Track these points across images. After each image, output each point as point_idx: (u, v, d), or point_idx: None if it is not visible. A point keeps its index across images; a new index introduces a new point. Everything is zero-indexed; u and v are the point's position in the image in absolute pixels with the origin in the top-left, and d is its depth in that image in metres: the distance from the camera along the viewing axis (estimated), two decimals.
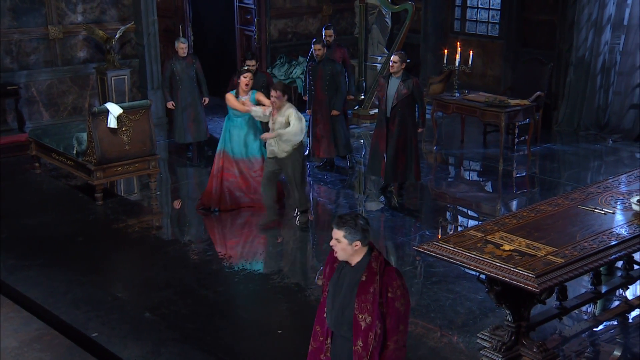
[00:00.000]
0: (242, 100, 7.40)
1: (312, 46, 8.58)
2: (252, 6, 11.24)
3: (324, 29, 9.23)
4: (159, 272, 6.38)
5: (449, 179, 9.05)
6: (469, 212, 7.96)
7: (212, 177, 7.60)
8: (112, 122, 7.73)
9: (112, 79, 9.87)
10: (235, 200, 7.61)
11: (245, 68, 7.85)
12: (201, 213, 7.62)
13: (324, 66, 8.50)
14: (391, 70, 7.68)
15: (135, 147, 7.95)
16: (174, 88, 9.06)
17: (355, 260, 3.52)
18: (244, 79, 7.33)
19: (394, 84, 7.66)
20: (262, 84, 8.17)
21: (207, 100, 9.29)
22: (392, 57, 7.67)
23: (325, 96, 8.56)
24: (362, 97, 11.33)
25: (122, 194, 8.46)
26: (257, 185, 7.49)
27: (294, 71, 11.63)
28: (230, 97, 7.46)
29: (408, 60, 7.85)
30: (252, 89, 7.46)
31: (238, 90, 7.43)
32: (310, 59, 8.82)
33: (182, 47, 8.95)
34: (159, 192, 8.33)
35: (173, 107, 9.10)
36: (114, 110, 7.77)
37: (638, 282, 5.87)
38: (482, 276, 4.83)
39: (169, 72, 9.04)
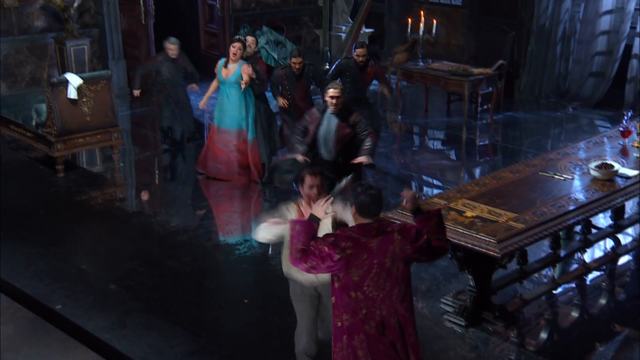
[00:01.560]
0: (229, 67, 7.30)
1: (290, 59, 7.40)
2: None
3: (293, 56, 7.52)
4: (124, 244, 6.31)
5: (414, 148, 9.10)
6: (433, 180, 8.03)
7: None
8: (72, 93, 7.57)
9: (71, 49, 9.63)
10: (212, 170, 7.54)
11: (237, 37, 7.65)
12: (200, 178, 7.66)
13: (305, 76, 7.50)
14: (333, 108, 5.97)
15: (97, 118, 7.80)
16: (162, 86, 8.18)
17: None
18: (232, 48, 7.23)
19: (331, 122, 6.04)
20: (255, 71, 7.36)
21: (195, 87, 8.35)
22: (330, 91, 5.90)
23: (307, 103, 7.57)
24: (327, 67, 11.26)
25: (84, 166, 8.31)
26: (233, 159, 7.40)
27: (259, 41, 11.47)
28: (217, 66, 7.40)
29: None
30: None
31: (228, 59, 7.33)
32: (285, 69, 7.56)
33: (171, 48, 8.03)
34: (122, 164, 8.21)
35: (137, 96, 8.33)
36: (74, 80, 7.60)
37: (596, 245, 6.01)
38: None
39: (154, 68, 8.23)
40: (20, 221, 6.66)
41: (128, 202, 7.40)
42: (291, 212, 4.14)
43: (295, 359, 4.27)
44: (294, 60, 7.35)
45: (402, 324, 3.45)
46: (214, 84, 7.54)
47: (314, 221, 3.56)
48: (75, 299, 5.36)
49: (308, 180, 4.01)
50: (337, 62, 7.44)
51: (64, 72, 8.98)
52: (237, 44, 7.24)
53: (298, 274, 4.05)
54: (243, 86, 7.16)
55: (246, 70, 7.18)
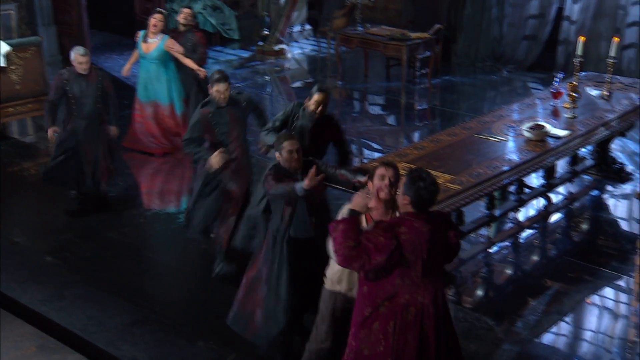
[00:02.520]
0: (150, 42, 6.89)
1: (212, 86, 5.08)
2: None
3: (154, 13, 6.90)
4: (59, 215, 6.14)
5: (353, 114, 9.11)
6: (373, 145, 8.07)
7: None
8: (0, 61, 7.25)
9: None
10: (144, 144, 7.31)
11: (158, 9, 7.13)
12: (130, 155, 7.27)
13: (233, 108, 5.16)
14: (220, 100, 5.00)
15: (27, 86, 7.54)
16: (68, 113, 5.99)
17: None
18: (152, 20, 6.84)
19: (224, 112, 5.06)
20: (189, 44, 6.96)
21: (114, 130, 6.12)
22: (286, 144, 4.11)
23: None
24: (266, 32, 11.12)
25: (16, 136, 8.01)
26: (167, 132, 7.20)
27: (195, 6, 11.21)
28: (137, 37, 7.03)
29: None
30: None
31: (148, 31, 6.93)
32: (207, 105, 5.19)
33: (81, 61, 5.80)
34: (56, 134, 7.92)
35: (52, 137, 6.08)
36: (1, 48, 7.30)
37: (529, 204, 6.19)
38: None
39: (58, 94, 5.94)
40: None
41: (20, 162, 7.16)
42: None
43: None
44: (217, 87, 5.01)
45: (442, 313, 3.40)
46: (135, 54, 7.13)
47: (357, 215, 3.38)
48: (9, 272, 5.20)
49: (380, 171, 3.58)
50: (286, 108, 4.93)
51: None
52: (158, 16, 6.83)
53: (345, 287, 3.81)
54: (188, 63, 6.80)
55: (173, 48, 6.80)
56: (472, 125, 5.90)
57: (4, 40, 7.69)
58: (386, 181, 3.55)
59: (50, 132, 5.99)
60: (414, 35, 9.30)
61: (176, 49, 6.84)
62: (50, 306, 4.81)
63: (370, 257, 3.22)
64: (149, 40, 6.92)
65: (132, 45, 8.02)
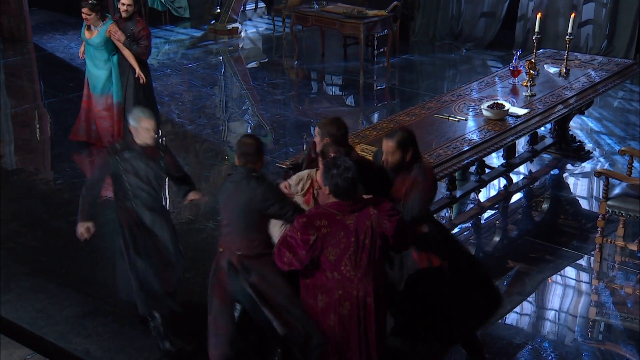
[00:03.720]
0: (93, 29, 6.57)
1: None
2: None
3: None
4: (3, 204, 5.98)
5: (311, 95, 9.08)
6: None
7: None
8: None
9: None
10: (93, 134, 6.99)
11: (83, 3, 6.52)
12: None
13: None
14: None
15: None
16: (122, 209, 4.34)
17: None
18: (82, 14, 6.49)
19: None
20: (129, 33, 6.57)
21: (198, 196, 4.51)
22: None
23: None
24: (218, 10, 10.97)
25: None
26: (103, 127, 6.86)
27: None
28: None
29: None
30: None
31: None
32: None
33: (147, 127, 4.11)
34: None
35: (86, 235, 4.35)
36: None
37: (489, 185, 6.28)
38: None
39: (106, 173, 4.30)
40: None
41: (7, 159, 6.99)
42: (304, 184, 3.95)
43: None
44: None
45: (379, 303, 3.44)
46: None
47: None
48: None
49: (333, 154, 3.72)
50: None
51: None
52: (84, 9, 6.47)
53: None
54: (126, 54, 6.52)
55: (114, 35, 6.50)
56: (432, 105, 5.94)
57: None
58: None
59: (83, 229, 4.26)
60: (371, 12, 9.29)
61: (117, 36, 6.51)
62: None
63: (294, 253, 3.31)
64: (92, 27, 6.63)
65: (76, 25, 7.79)
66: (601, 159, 6.85)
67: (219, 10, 10.95)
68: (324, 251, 3.31)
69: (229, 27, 10.79)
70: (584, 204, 6.28)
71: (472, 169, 6.04)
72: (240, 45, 10.60)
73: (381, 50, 9.77)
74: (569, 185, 6.59)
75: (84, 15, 6.53)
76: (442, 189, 5.79)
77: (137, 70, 6.58)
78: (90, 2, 6.47)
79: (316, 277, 3.40)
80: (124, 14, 6.53)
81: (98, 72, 6.74)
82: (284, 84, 9.10)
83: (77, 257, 5.26)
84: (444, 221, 5.81)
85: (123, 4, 6.50)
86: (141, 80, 6.62)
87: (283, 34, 10.65)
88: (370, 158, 4.54)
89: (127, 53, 6.55)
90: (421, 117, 5.69)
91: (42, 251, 5.31)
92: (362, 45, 9.24)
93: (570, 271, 5.28)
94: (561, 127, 6.80)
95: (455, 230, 5.77)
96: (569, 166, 6.78)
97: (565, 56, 6.47)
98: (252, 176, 3.65)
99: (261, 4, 11.91)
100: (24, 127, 7.88)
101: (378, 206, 3.39)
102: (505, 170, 6.31)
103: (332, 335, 3.46)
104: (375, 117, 8.27)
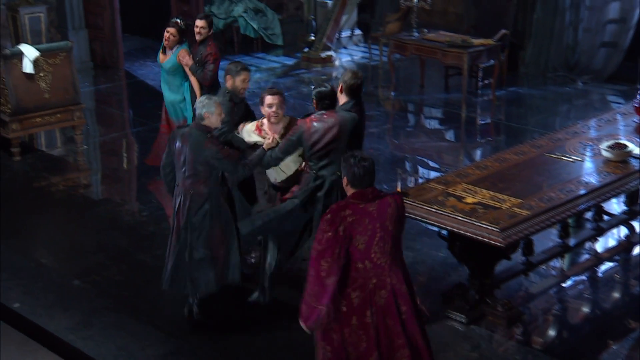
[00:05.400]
0: (168, 52, 6.85)
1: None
2: None
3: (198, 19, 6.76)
4: (89, 235, 6.28)
5: (408, 128, 9.11)
6: (430, 162, 8.05)
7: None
8: (28, 67, 7.50)
9: (26, 17, 9.53)
10: None
11: (174, 20, 6.84)
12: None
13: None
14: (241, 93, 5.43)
15: (56, 95, 7.75)
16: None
17: None
18: (165, 34, 6.74)
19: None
20: (198, 58, 6.66)
21: None
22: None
23: None
24: (312, 37, 11.23)
25: (43, 149, 8.25)
26: None
27: (235, 9, 11.42)
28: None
29: None
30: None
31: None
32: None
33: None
34: (85, 146, 8.15)
35: None
36: (30, 53, 7.53)
37: (608, 233, 6.07)
38: (444, 232, 4.92)
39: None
40: None
41: (93, 189, 7.36)
42: (252, 135, 5.10)
43: None
44: (243, 76, 5.40)
45: (410, 291, 3.71)
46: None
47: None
48: (34, 296, 5.34)
49: (268, 100, 4.99)
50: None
51: (18, 43, 8.89)
52: (171, 30, 6.72)
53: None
54: (192, 80, 6.71)
55: (182, 60, 6.70)
56: (543, 143, 5.86)
57: (32, 45, 7.95)
58: (273, 108, 4.99)
59: None
60: (476, 41, 9.28)
61: (184, 61, 6.70)
62: (78, 334, 4.91)
63: (329, 256, 3.59)
64: (168, 51, 6.87)
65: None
66: None
67: (313, 38, 11.22)
68: (353, 240, 3.61)
69: (323, 55, 11.02)
70: None
71: (589, 215, 5.88)
72: (334, 75, 10.79)
73: (486, 81, 9.71)
74: None
75: (166, 35, 6.75)
76: (554, 236, 5.66)
77: (198, 97, 6.62)
78: (180, 23, 6.73)
79: (348, 272, 3.64)
80: (197, 37, 6.70)
81: (172, 96, 6.99)
82: (379, 116, 9.18)
83: (160, 294, 5.43)
84: (554, 272, 5.66)
85: (197, 27, 6.67)
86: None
87: (380, 62, 10.77)
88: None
89: (192, 79, 6.76)
90: (530, 156, 5.61)
91: (125, 286, 5.52)
92: (466, 76, 9.22)
93: None
94: None
95: (568, 282, 5.61)
96: None
97: None
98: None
99: (357, 31, 12.11)
100: (112, 155, 8.28)
101: (393, 196, 3.78)
102: (627, 218, 6.10)
103: (375, 336, 3.65)
104: (478, 154, 8.19)
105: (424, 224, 5.40)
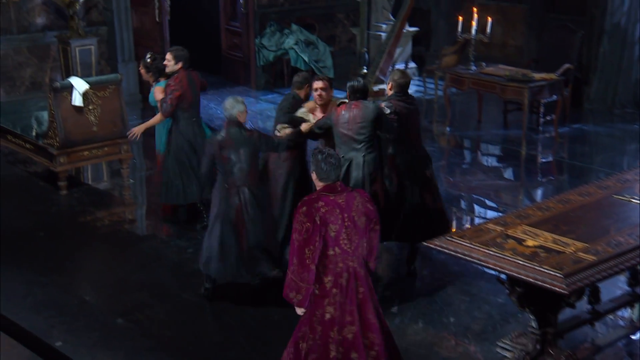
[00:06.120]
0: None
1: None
2: None
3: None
4: (133, 272, 6.38)
5: (464, 165, 9.07)
6: (487, 202, 7.99)
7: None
8: (78, 100, 7.71)
9: (77, 49, 9.82)
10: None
11: (148, 56, 7.15)
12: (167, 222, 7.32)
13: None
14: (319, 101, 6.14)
15: (105, 128, 7.92)
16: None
17: None
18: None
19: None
20: None
21: None
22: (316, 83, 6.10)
23: None
24: (365, 70, 11.31)
25: (90, 182, 8.44)
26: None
27: (286, 41, 11.59)
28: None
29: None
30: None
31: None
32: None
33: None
34: (132, 181, 8.32)
35: None
36: (79, 85, 7.74)
37: None
38: (503, 276, 4.84)
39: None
40: (17, 245, 6.78)
41: (138, 224, 7.49)
42: (307, 115, 6.10)
43: None
44: (316, 85, 6.09)
45: (366, 274, 4.42)
46: None
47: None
48: (77, 334, 5.42)
49: (315, 84, 6.02)
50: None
51: (68, 75, 9.18)
52: (142, 70, 7.15)
53: None
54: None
55: (157, 94, 6.92)
56: (610, 184, 5.74)
57: (82, 77, 8.18)
58: (319, 92, 6.00)
59: None
60: (537, 76, 9.23)
61: (156, 97, 6.93)
62: None
63: (311, 242, 4.22)
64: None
65: (218, 84, 8.35)
66: None
67: (365, 71, 11.29)
68: (327, 228, 4.25)
69: (376, 88, 11.06)
70: None
71: None
72: (388, 109, 10.82)
73: (548, 118, 9.63)
74: None
75: (142, 74, 7.24)
76: (622, 283, 5.53)
77: (138, 128, 7.14)
78: (146, 60, 7.11)
79: (321, 258, 4.28)
80: (166, 69, 6.88)
81: (160, 130, 7.20)
82: (434, 152, 9.13)
83: (205, 334, 5.47)
84: (623, 323, 5.51)
85: (166, 60, 6.87)
86: (130, 135, 7.20)
87: (435, 97, 10.78)
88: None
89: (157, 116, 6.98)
90: (597, 198, 5.50)
91: (168, 325, 5.57)
92: (526, 111, 9.16)
93: None
94: None
95: (638, 334, 5.44)
96: None
97: None
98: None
99: (412, 64, 12.16)
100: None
101: (358, 191, 4.49)
102: None
103: (335, 310, 4.31)
104: (539, 194, 8.11)
105: (481, 268, 5.33)
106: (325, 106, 6.11)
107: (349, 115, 5.74)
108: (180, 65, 6.80)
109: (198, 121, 6.99)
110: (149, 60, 7.10)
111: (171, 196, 6.98)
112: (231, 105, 5.63)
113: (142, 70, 7.19)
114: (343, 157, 5.69)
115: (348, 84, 5.89)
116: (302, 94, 6.29)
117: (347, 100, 6.01)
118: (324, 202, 4.27)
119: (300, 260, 4.25)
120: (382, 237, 5.23)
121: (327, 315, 4.32)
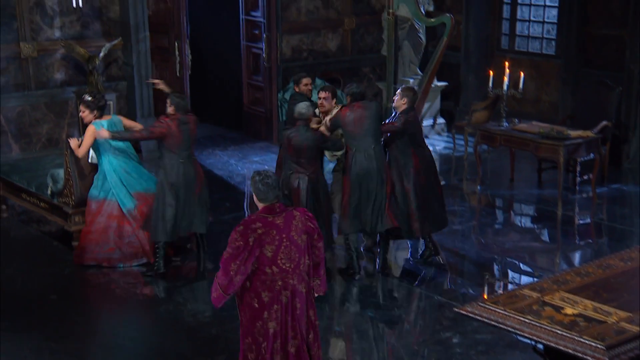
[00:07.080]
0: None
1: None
2: (261, 19, 11.42)
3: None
4: (148, 337, 6.38)
5: (497, 226, 9.02)
6: (522, 266, 7.92)
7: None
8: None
9: None
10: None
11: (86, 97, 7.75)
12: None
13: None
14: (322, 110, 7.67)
15: None
16: None
17: None
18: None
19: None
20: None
21: None
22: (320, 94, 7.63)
23: None
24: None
25: None
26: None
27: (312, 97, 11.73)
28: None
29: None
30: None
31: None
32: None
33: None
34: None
35: None
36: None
37: None
38: (539, 346, 4.78)
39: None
40: (27, 308, 6.80)
41: (153, 287, 7.49)
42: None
43: None
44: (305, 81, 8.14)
45: (308, 291, 4.76)
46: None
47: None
48: None
49: (319, 94, 7.55)
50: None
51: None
52: (85, 111, 7.69)
53: None
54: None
55: (87, 133, 7.57)
56: None
57: None
58: (321, 101, 7.51)
59: None
60: (573, 133, 9.23)
61: (86, 134, 7.65)
62: None
63: (239, 260, 4.52)
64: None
65: (239, 140, 8.39)
66: None
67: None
68: (263, 249, 4.55)
69: None
70: None
71: None
72: None
73: (585, 177, 9.59)
74: None
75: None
76: None
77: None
78: (87, 98, 7.63)
79: (258, 275, 4.60)
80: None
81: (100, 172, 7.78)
82: (464, 211, 9.14)
83: None
84: None
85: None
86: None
87: (465, 154, 10.81)
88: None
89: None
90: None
91: None
92: (562, 170, 9.13)
93: None
94: None
95: None
96: None
97: None
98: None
99: (441, 120, 12.24)
100: (174, 249, 8.44)
101: (300, 210, 4.82)
102: None
103: (277, 324, 4.64)
104: (577, 258, 8.04)
105: (516, 336, 5.27)
106: (326, 114, 7.51)
107: (354, 115, 7.09)
108: (172, 108, 7.37)
109: (189, 162, 7.44)
110: (89, 98, 7.65)
111: (157, 233, 7.34)
112: (306, 107, 7.11)
113: (86, 111, 7.62)
114: (354, 150, 7.14)
115: (347, 91, 7.37)
116: (296, 89, 8.03)
117: (345, 104, 7.44)
118: (262, 224, 4.59)
119: (225, 270, 4.57)
120: (413, 233, 7.42)
121: (271, 330, 4.65)
